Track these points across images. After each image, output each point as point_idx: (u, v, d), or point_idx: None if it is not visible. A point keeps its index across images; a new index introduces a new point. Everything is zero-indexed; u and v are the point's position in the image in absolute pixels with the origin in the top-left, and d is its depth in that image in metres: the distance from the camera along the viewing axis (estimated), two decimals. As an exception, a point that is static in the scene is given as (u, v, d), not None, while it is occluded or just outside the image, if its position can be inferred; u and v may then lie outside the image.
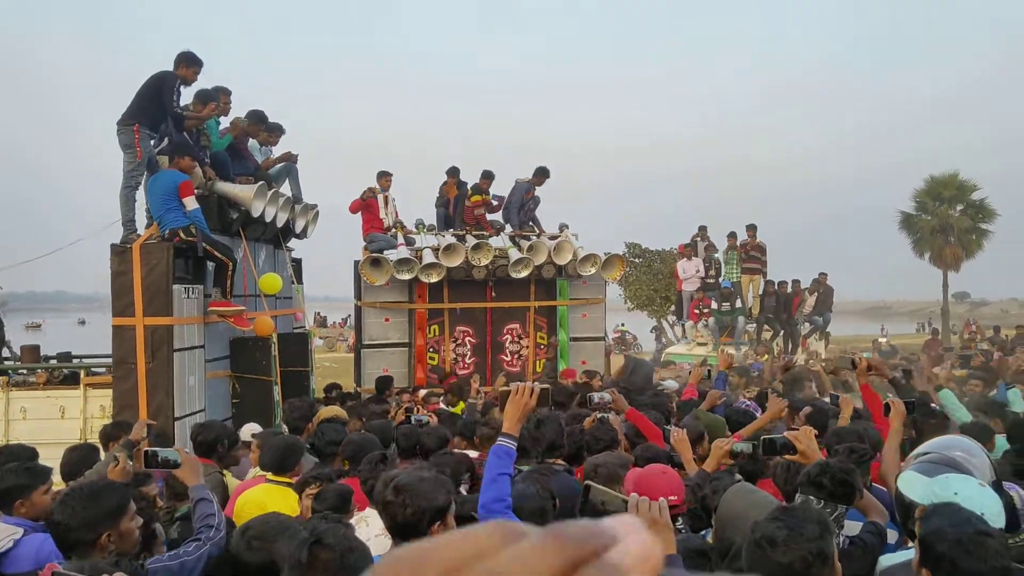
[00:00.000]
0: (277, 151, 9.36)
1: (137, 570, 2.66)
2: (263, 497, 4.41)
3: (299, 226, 9.58)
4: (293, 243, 10.18)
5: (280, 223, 8.86)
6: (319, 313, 47.83)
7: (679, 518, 3.26)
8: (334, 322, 49.23)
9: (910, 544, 3.06)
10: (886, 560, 2.88)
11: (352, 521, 3.97)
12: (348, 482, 4.34)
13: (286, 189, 9.39)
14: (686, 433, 4.40)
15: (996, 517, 2.36)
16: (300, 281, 10.47)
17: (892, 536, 3.25)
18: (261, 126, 8.85)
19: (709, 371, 6.89)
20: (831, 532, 2.06)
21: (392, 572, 0.34)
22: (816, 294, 16.29)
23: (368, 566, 1.78)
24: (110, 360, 7.56)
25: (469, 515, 3.04)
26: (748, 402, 6.31)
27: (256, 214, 8.08)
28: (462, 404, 9.01)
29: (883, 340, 17.67)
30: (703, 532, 3.36)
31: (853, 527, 3.53)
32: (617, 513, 1.41)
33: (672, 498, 3.17)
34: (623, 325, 33.06)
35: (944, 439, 3.09)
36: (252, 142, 8.92)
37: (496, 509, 2.75)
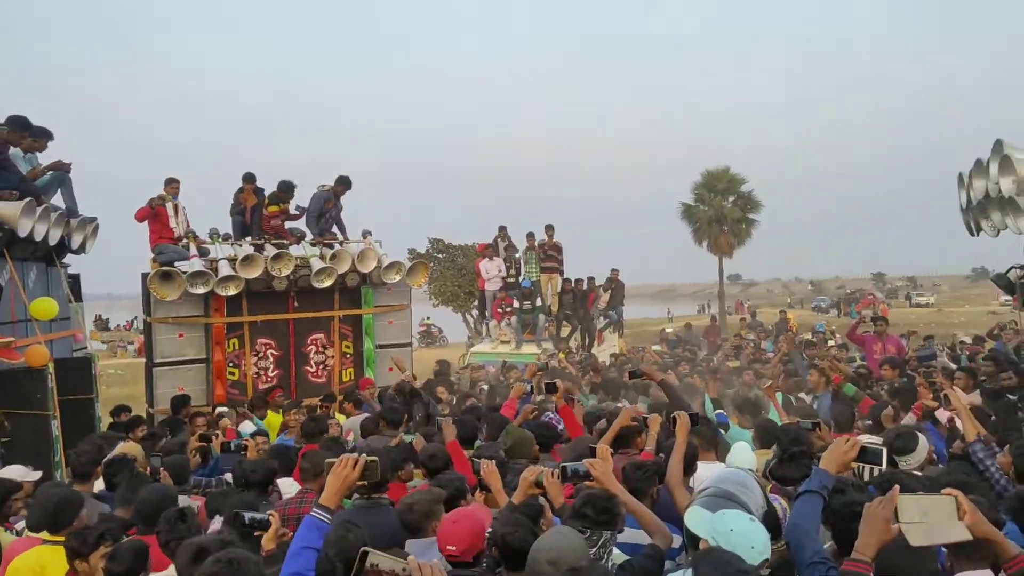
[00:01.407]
0: (45, 158, 8.52)
1: None
2: (40, 560, 4.06)
3: (76, 241, 8.79)
4: (69, 258, 9.33)
5: (53, 240, 8.08)
6: (100, 316, 44.13)
7: (479, 560, 3.35)
8: (118, 324, 45.68)
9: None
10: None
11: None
12: (144, 539, 4.10)
13: (59, 201, 8.58)
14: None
15: (764, 549, 2.70)
16: (79, 299, 9.62)
17: (677, 541, 3.60)
18: (24, 132, 8.01)
19: (532, 386, 6.98)
20: None
21: None
22: (610, 290, 17.30)
23: None
24: None
25: None
26: (551, 414, 6.53)
27: (23, 233, 7.32)
28: (274, 415, 8.74)
29: (669, 330, 19.12)
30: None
31: (638, 538, 3.86)
32: None
33: (451, 548, 3.31)
34: (428, 319, 33.32)
35: (723, 472, 3.46)
36: (14, 150, 8.05)
37: None
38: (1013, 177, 7.19)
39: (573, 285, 16.61)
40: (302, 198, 11.40)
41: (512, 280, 16.20)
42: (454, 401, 9.44)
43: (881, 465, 3.46)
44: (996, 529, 2.56)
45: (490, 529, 3.32)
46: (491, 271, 16.22)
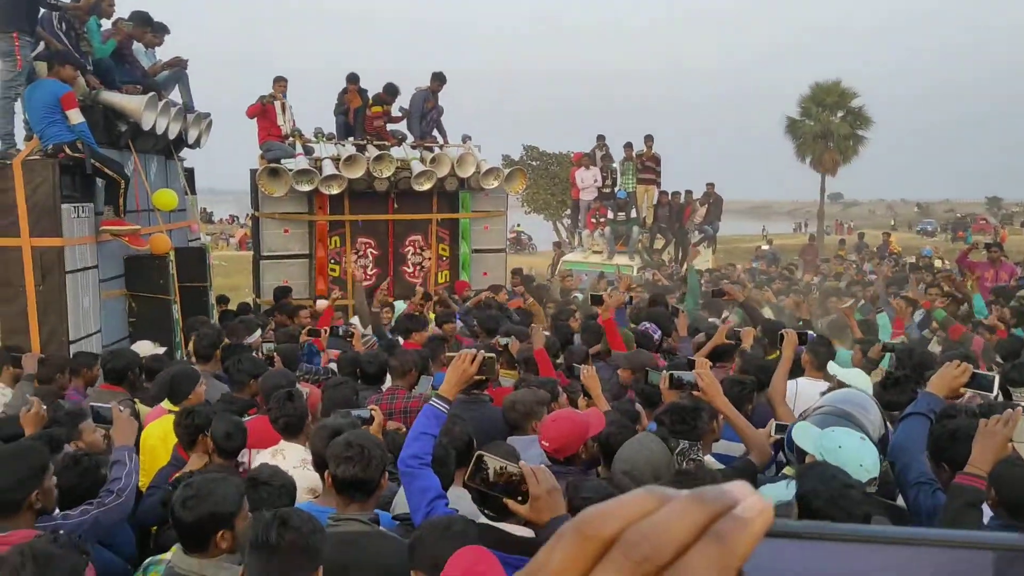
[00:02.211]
0: (163, 52, 8.83)
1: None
2: (164, 427, 4.43)
3: (192, 136, 9.16)
4: (184, 152, 9.74)
5: (172, 135, 8.45)
6: (205, 208, 45.95)
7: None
8: (220, 218, 47.48)
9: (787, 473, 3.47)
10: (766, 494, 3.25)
11: (268, 453, 4.10)
12: (262, 418, 4.43)
13: (176, 97, 8.92)
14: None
15: (872, 467, 2.72)
16: (193, 192, 10.08)
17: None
18: (147, 28, 8.30)
19: (631, 298, 7.04)
20: None
21: (578, 529, 0.43)
22: (707, 205, 16.94)
23: (325, 546, 1.90)
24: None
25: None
26: (648, 324, 6.58)
27: (147, 127, 7.67)
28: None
29: (765, 247, 18.65)
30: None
31: (730, 450, 3.92)
32: (514, 479, 1.57)
33: (544, 444, 3.43)
34: (519, 226, 33.36)
35: (841, 393, 3.46)
36: (137, 46, 8.36)
37: (412, 465, 2.91)
38: None
39: (670, 198, 16.31)
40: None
41: (607, 190, 16.02)
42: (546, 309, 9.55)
43: (991, 392, 3.40)
44: None
45: None
46: (587, 180, 16.07)
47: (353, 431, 2.93)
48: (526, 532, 2.74)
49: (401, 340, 6.98)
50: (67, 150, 6.70)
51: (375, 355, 5.68)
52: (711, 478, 2.30)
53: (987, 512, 2.64)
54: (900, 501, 3.05)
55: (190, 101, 9.12)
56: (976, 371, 3.26)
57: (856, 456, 2.68)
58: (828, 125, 31.64)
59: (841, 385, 4.52)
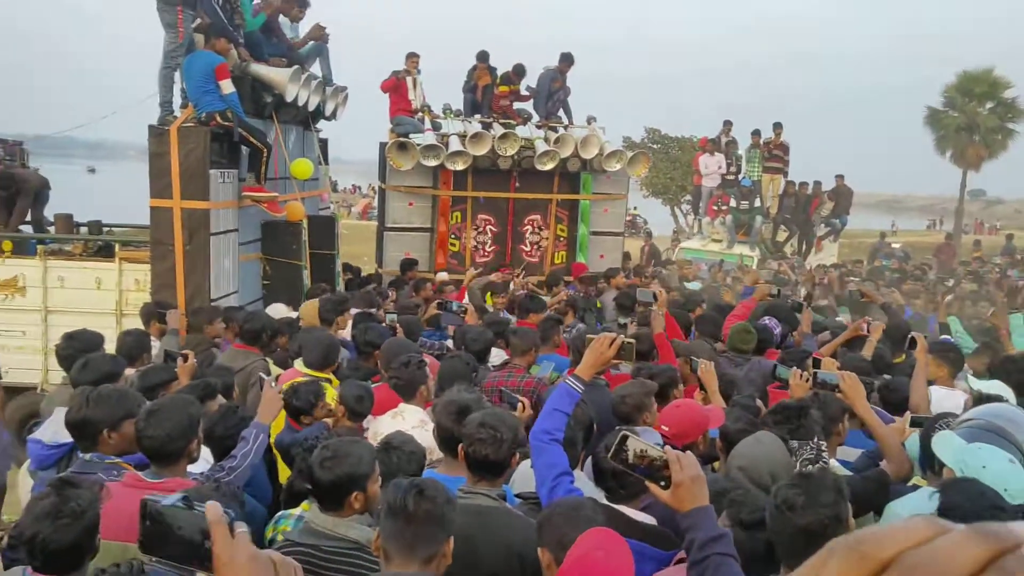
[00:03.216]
0: (303, 26, 9.18)
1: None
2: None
3: (329, 108, 9.52)
4: (320, 124, 10.14)
5: (312, 107, 8.81)
6: (331, 178, 47.70)
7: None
8: (344, 188, 49.11)
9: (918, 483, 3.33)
10: (900, 507, 3.13)
11: (388, 416, 4.28)
12: (381, 386, 4.61)
13: (316, 70, 9.27)
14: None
15: (1018, 493, 2.55)
16: (326, 162, 10.49)
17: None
18: (293, 2, 8.65)
19: (779, 290, 6.89)
20: (845, 497, 2.26)
21: (856, 548, 0.43)
22: (835, 198, 16.24)
23: (456, 516, 1.99)
24: (146, 237, 7.75)
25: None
26: (768, 319, 6.45)
27: (290, 99, 8.04)
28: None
29: (896, 246, 17.75)
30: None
31: (847, 455, 3.80)
32: (656, 463, 1.57)
33: (664, 428, 3.42)
34: (635, 209, 33.01)
35: (994, 406, 3.29)
36: (282, 19, 8.74)
37: (543, 439, 2.97)
38: None
39: (796, 188, 15.75)
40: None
41: (731, 177, 15.62)
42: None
43: None
44: None
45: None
46: (710, 166, 15.71)
47: (488, 411, 3.01)
48: (646, 518, 2.77)
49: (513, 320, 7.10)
50: (218, 118, 7.11)
51: (481, 332, 5.80)
52: (836, 484, 2.25)
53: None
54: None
55: (329, 74, 9.46)
56: None
57: (1001, 479, 2.54)
58: (974, 117, 29.60)
59: (982, 396, 4.31)
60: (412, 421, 3.96)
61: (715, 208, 15.51)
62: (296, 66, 8.12)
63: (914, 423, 3.71)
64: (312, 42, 9.10)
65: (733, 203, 15.20)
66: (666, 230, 27.98)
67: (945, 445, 2.82)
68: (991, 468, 2.60)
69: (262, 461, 3.70)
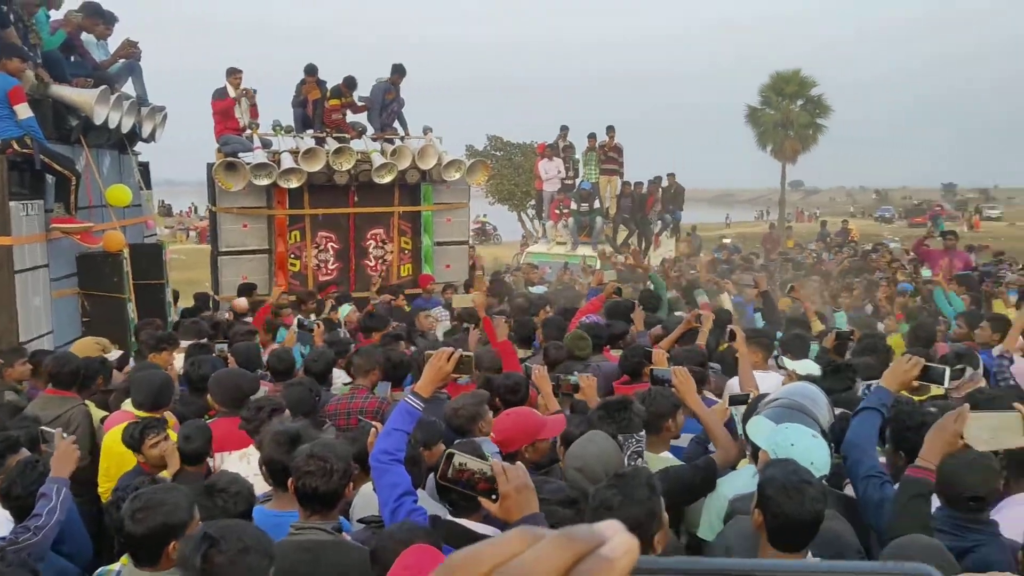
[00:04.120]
0: (112, 43, 8.60)
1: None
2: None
3: (146, 130, 8.97)
4: (139, 146, 9.54)
5: (125, 128, 8.26)
6: (163, 201, 45.19)
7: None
8: (180, 210, 46.76)
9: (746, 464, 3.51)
10: (727, 487, 3.28)
11: (236, 456, 4.05)
12: (224, 420, 4.36)
13: (130, 89, 8.72)
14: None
15: (823, 466, 2.76)
16: (149, 186, 9.89)
17: None
18: (98, 19, 8.09)
19: (620, 288, 7.10)
20: (658, 492, 2.33)
21: (450, 571, 0.44)
22: (666, 194, 17.03)
23: (266, 562, 1.86)
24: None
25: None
26: (595, 317, 6.58)
27: (99, 121, 7.49)
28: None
29: (727, 241, 18.92)
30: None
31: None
32: (484, 478, 1.57)
33: (492, 435, 3.44)
34: (484, 216, 33.35)
35: (794, 385, 3.51)
36: (88, 37, 8.15)
37: (383, 460, 2.89)
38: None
39: (632, 188, 16.40)
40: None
41: (571, 181, 16.05)
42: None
43: (943, 384, 3.47)
44: None
45: None
46: (550, 171, 16.08)
47: (317, 441, 2.89)
48: (490, 530, 2.75)
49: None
50: (15, 146, 6.52)
51: (321, 352, 5.63)
52: (648, 480, 2.31)
53: (936, 502, 2.71)
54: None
55: (144, 94, 8.91)
56: (928, 364, 3.31)
57: (807, 455, 2.72)
58: (788, 114, 32.02)
59: (798, 376, 4.62)
60: (256, 467, 3.75)
61: (557, 212, 15.89)
62: (104, 86, 7.58)
63: (733, 401, 3.92)
64: (122, 60, 8.53)
65: (574, 206, 15.63)
66: (516, 236, 28.39)
67: (757, 429, 2.98)
68: (798, 445, 2.78)
69: (76, 515, 3.41)
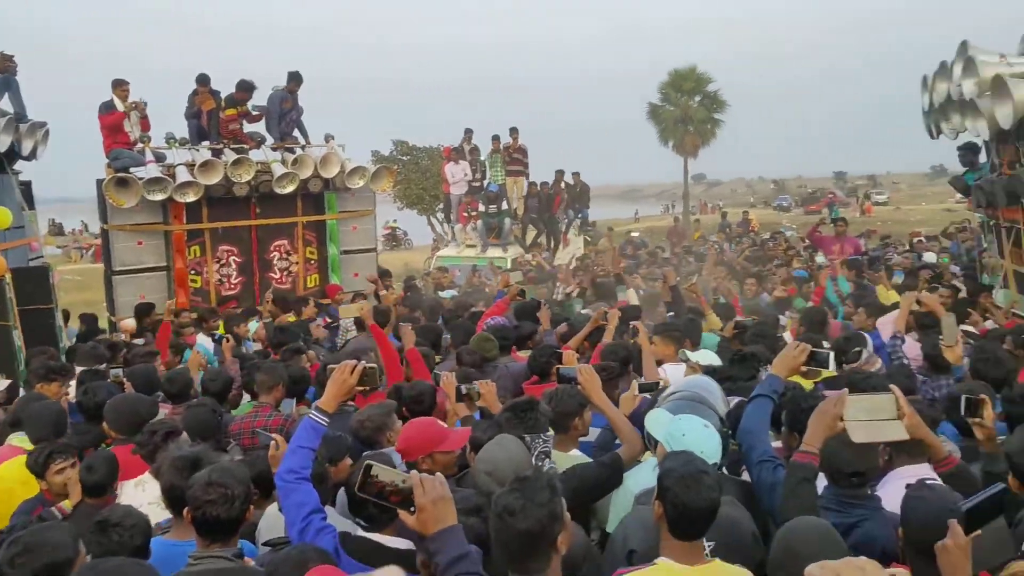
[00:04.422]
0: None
1: None
2: (22, 469, 4.13)
3: (26, 148, 8.51)
4: (20, 164, 9.05)
5: (3, 147, 7.83)
6: (54, 220, 43.05)
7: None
8: (72, 229, 44.62)
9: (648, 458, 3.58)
10: (632, 481, 3.34)
11: (132, 485, 3.88)
12: (120, 448, 4.18)
13: (7, 105, 8.27)
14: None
15: (713, 454, 2.85)
16: (32, 206, 9.39)
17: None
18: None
19: (523, 290, 7.13)
20: (559, 493, 2.36)
21: None
22: (572, 193, 17.27)
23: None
24: None
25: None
26: (502, 319, 6.60)
27: (-29, 140, 7.08)
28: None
29: (635, 235, 19.35)
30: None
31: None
32: (401, 490, 1.58)
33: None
34: (394, 221, 33.02)
35: (692, 378, 3.61)
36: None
37: (288, 480, 2.83)
38: (975, 79, 7.20)
39: (539, 188, 16.56)
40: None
41: (477, 184, 16.09)
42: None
43: (828, 368, 3.62)
44: (929, 431, 2.75)
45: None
46: (456, 175, 16.07)
47: (214, 467, 2.80)
48: (401, 543, 2.72)
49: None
50: None
51: (217, 372, 5.48)
52: (550, 482, 2.34)
53: (823, 483, 2.84)
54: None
55: (22, 110, 8.47)
56: (814, 349, 3.46)
57: (698, 444, 2.81)
58: (687, 110, 33.00)
59: (701, 368, 4.76)
60: (151, 496, 3.60)
61: (466, 215, 15.91)
62: (-26, 104, 7.17)
63: (642, 389, 4.00)
64: (-4, 74, 8.09)
65: (482, 208, 15.67)
66: (428, 240, 28.25)
67: (655, 422, 3.05)
68: (689, 435, 2.87)
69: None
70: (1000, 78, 6.60)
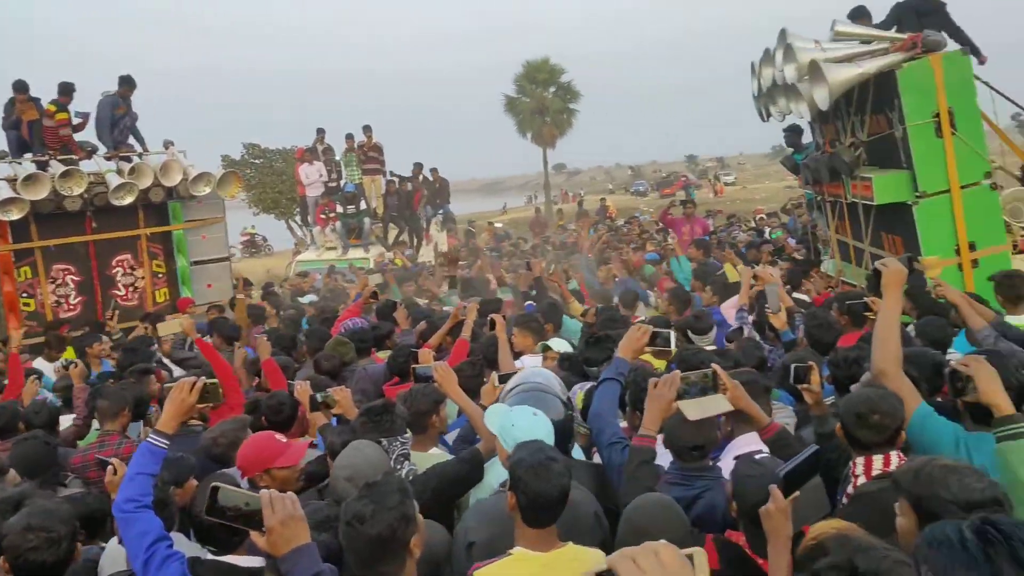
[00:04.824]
0: None
1: None
2: None
3: None
4: None
5: None
6: None
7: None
8: None
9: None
10: (493, 475, 3.36)
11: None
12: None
13: None
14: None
15: (547, 438, 2.87)
16: None
17: None
18: None
19: (376, 292, 7.07)
20: (410, 495, 2.34)
21: None
22: (431, 189, 17.23)
23: None
24: None
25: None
26: (360, 321, 6.53)
27: None
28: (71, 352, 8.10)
29: (499, 225, 19.57)
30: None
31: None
32: (250, 512, 1.51)
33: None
34: (252, 228, 31.85)
35: (527, 371, 3.66)
36: None
37: (127, 509, 2.66)
38: (795, 65, 7.67)
39: (397, 186, 16.40)
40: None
41: (334, 184, 15.76)
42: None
43: (670, 348, 3.76)
44: (751, 401, 2.91)
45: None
46: (311, 176, 15.69)
47: (34, 509, 2.59)
48: (256, 561, 2.62)
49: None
50: None
51: (41, 404, 5.11)
52: (400, 484, 2.32)
53: (667, 461, 2.95)
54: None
55: None
56: (655, 330, 3.58)
57: (528, 433, 2.84)
58: (543, 101, 33.61)
59: (557, 355, 4.86)
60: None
61: (323, 216, 15.55)
62: None
63: (502, 379, 4.02)
64: None
65: (340, 209, 15.36)
66: (289, 245, 27.41)
67: (492, 417, 3.09)
68: (518, 425, 2.92)
69: None
70: (815, 63, 7.06)
